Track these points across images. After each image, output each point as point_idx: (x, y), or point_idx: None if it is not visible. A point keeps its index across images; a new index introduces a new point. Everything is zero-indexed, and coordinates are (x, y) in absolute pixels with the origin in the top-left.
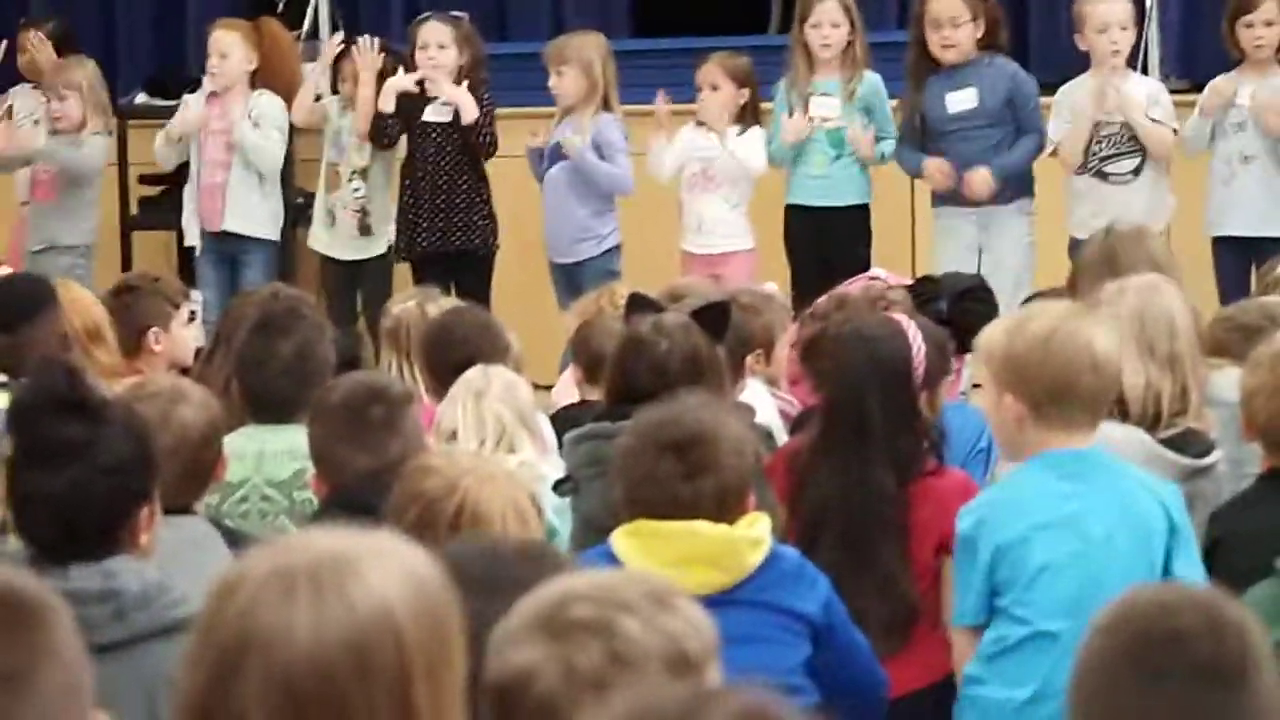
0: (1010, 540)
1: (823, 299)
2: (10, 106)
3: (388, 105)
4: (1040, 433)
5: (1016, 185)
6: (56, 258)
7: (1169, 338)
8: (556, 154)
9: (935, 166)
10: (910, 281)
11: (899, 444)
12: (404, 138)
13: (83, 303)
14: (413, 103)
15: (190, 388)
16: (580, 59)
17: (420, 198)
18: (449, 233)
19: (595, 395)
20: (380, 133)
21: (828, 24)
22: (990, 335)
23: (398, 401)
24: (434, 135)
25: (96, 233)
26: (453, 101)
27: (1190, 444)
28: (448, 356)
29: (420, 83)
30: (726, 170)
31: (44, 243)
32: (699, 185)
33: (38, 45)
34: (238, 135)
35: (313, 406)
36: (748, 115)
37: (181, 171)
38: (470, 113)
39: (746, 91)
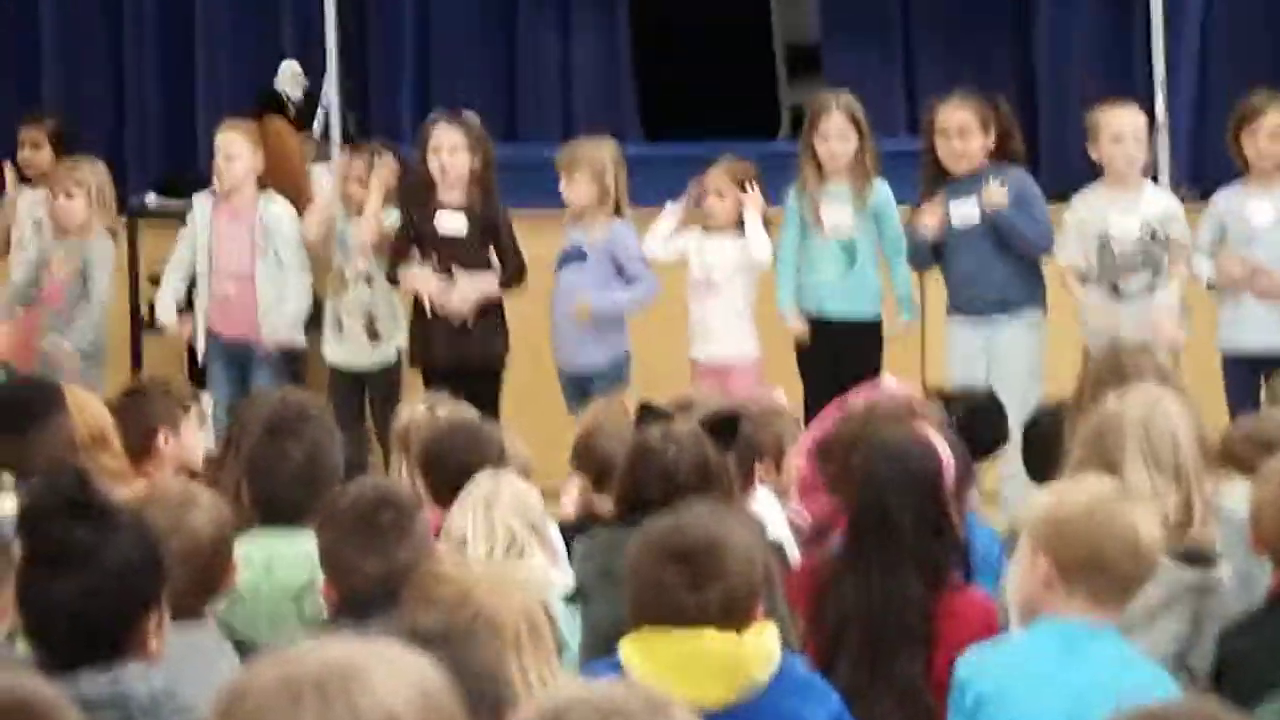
0: (991, 692)
1: (853, 408)
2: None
3: (405, 295)
4: (1064, 599)
5: (1023, 290)
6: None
7: (1173, 449)
8: (568, 258)
9: (929, 214)
10: (918, 393)
11: (929, 553)
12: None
13: (88, 407)
14: (423, 212)
15: (201, 494)
16: (592, 165)
17: (433, 311)
18: (463, 345)
19: (602, 504)
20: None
21: (835, 136)
22: (1038, 496)
23: (407, 508)
24: (446, 247)
25: (105, 335)
26: (472, 297)
27: (1197, 557)
28: (444, 468)
29: (429, 187)
30: (730, 275)
31: (55, 346)
32: (703, 291)
33: (38, 143)
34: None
35: (322, 512)
36: (751, 202)
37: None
38: (492, 289)
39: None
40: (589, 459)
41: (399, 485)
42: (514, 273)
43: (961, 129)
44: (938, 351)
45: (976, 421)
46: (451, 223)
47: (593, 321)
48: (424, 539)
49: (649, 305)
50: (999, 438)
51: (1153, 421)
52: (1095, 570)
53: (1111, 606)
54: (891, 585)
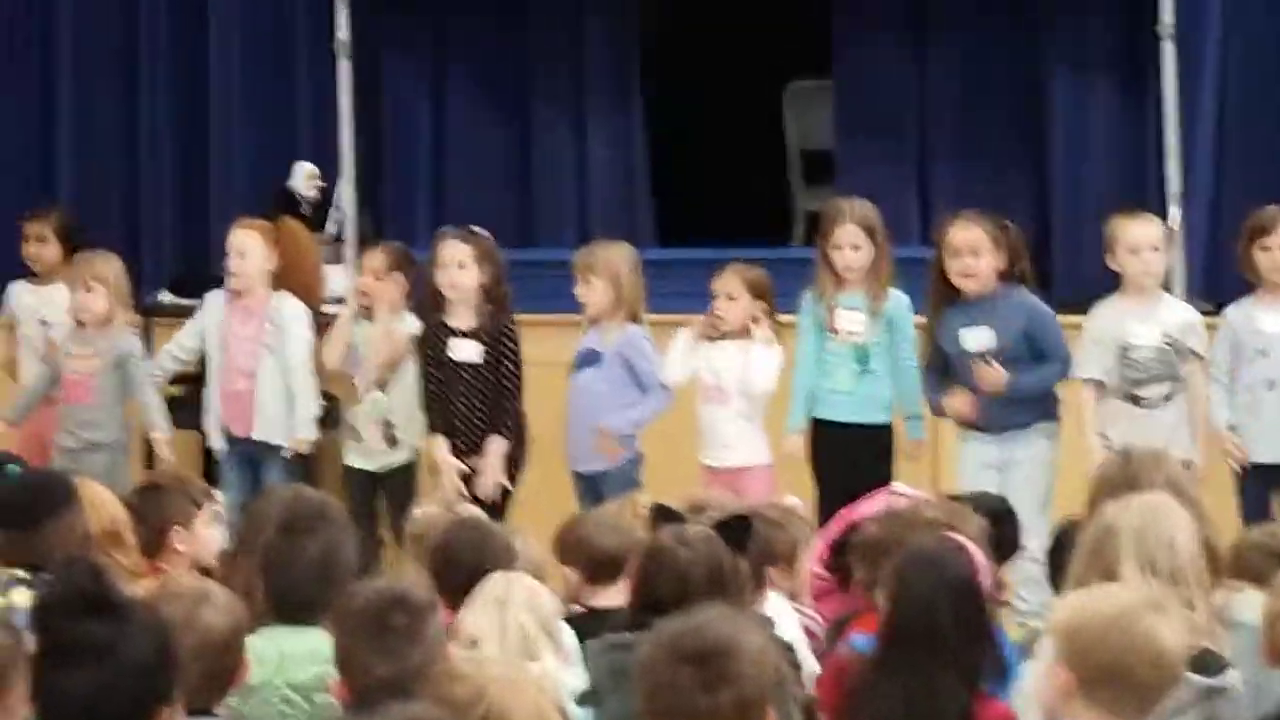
0: None
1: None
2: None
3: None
4: (1084, 710)
5: (1038, 407)
6: (96, 456)
7: (1170, 555)
8: (584, 360)
9: (958, 401)
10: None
11: (970, 657)
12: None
13: (103, 503)
14: (438, 338)
15: (215, 590)
16: (608, 270)
17: (452, 430)
18: (480, 453)
19: (597, 599)
20: None
21: (848, 246)
22: (1060, 604)
23: (421, 609)
24: (464, 374)
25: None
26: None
27: (1207, 664)
28: (454, 568)
29: (439, 303)
30: (739, 383)
31: (81, 442)
32: (714, 398)
33: (43, 238)
34: (268, 331)
35: (335, 612)
36: (760, 327)
37: (204, 370)
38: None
39: (761, 303)
40: (578, 551)
41: (413, 586)
42: (513, 429)
43: (972, 247)
44: (950, 459)
45: (992, 528)
46: (465, 351)
47: (602, 411)
48: (437, 640)
49: (662, 414)
50: (1011, 545)
51: (1148, 527)
52: (1116, 680)
53: (1131, 716)
54: (933, 689)
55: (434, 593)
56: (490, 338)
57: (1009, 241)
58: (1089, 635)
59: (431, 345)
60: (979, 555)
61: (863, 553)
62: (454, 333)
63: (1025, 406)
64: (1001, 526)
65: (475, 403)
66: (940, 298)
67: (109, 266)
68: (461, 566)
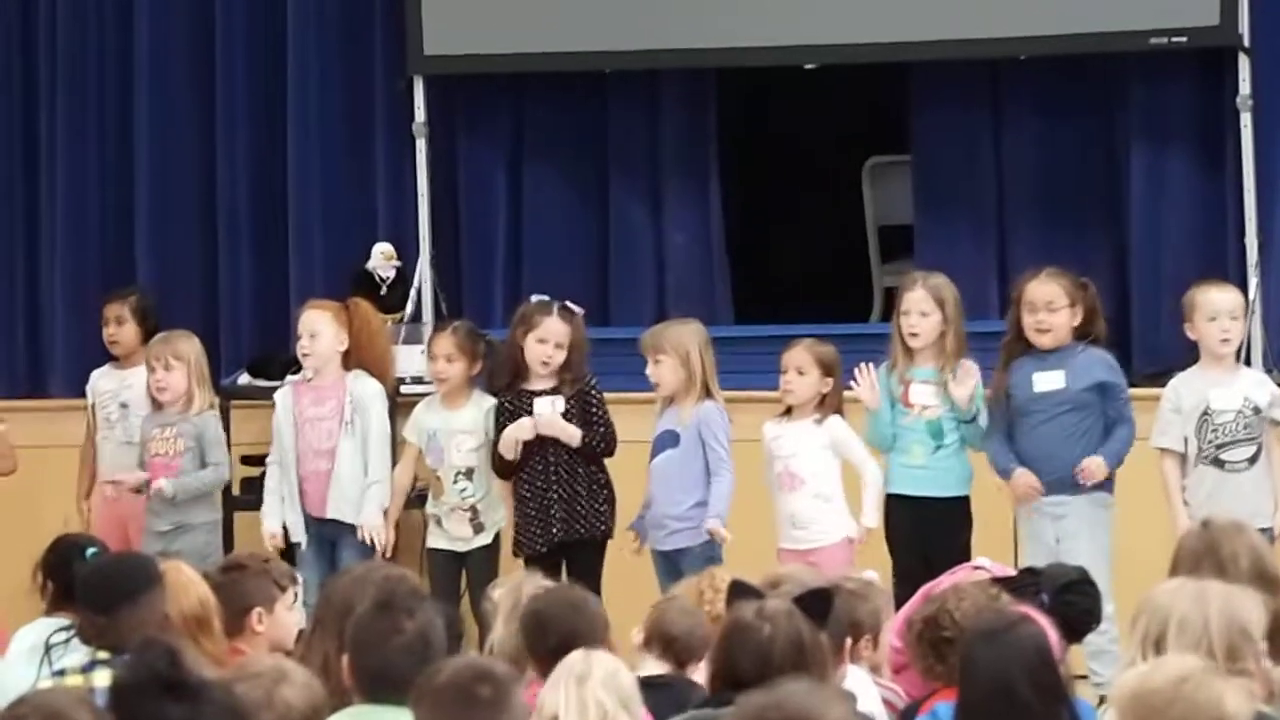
0: None
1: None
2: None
3: (511, 453)
4: None
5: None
6: (189, 537)
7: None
8: (663, 443)
9: (1024, 482)
10: (1014, 572)
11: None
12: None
13: (192, 587)
14: (518, 402)
15: (293, 668)
16: (677, 348)
17: (537, 492)
18: (571, 522)
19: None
20: (503, 471)
21: (916, 312)
22: (1125, 675)
23: (505, 684)
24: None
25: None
26: (559, 434)
27: None
28: (544, 639)
29: (518, 370)
30: (811, 461)
31: (172, 524)
32: (786, 484)
33: (121, 319)
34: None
35: (418, 687)
36: (828, 405)
37: None
38: (574, 439)
39: (830, 380)
40: (655, 628)
41: (497, 662)
42: (597, 440)
43: (1049, 303)
44: None
45: (1070, 599)
46: (548, 407)
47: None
48: (521, 716)
49: (729, 497)
50: (1093, 616)
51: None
52: None
53: None
54: None
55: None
56: (575, 395)
57: (1086, 300)
58: (1153, 703)
59: (511, 413)
60: (1046, 624)
61: (921, 635)
62: (535, 394)
63: (1075, 468)
64: (1082, 599)
65: (563, 456)
66: (1013, 351)
67: (189, 345)
68: (550, 639)
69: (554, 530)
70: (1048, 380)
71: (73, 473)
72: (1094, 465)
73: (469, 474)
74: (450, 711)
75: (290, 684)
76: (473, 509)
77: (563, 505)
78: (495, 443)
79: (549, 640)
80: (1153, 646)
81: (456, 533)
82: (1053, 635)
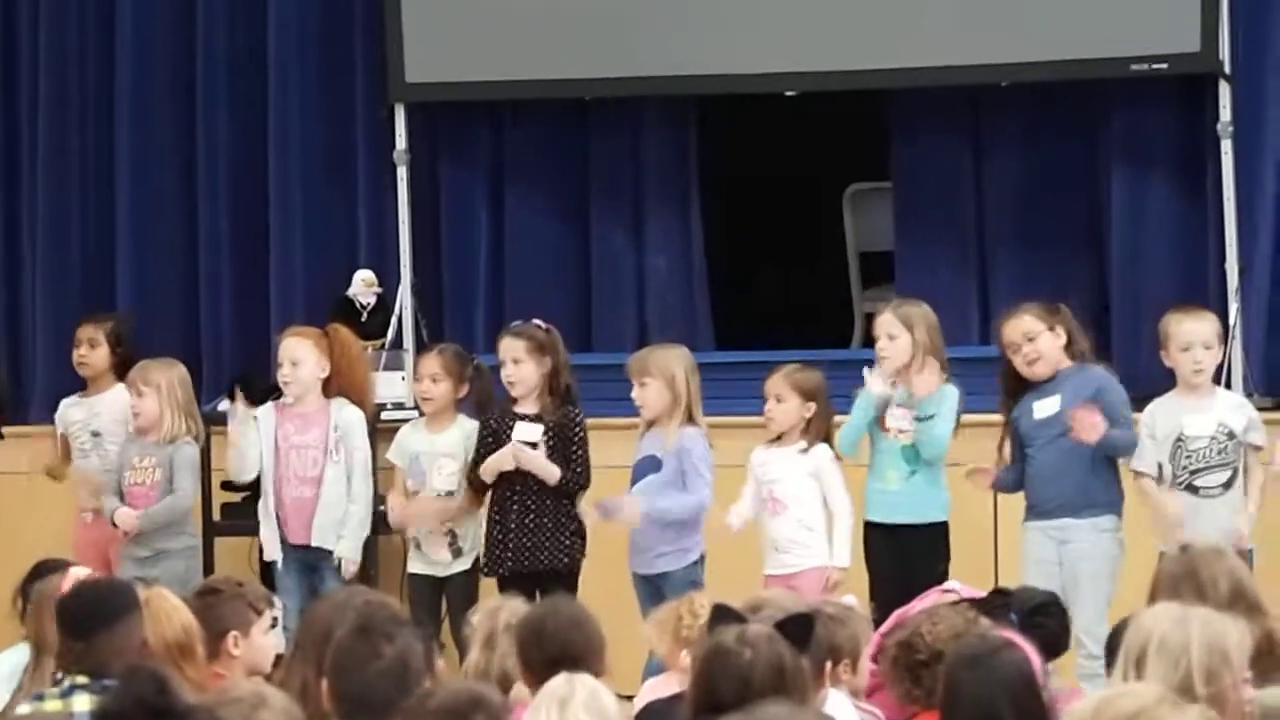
0: None
1: (913, 614)
2: (63, 436)
3: (489, 478)
4: None
5: (1094, 495)
6: (168, 563)
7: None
8: (644, 468)
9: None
10: (984, 594)
11: None
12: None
13: (175, 614)
14: (501, 423)
15: (272, 694)
16: (663, 372)
17: (508, 517)
18: (537, 551)
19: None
20: (476, 490)
21: (884, 335)
22: (1080, 708)
23: (497, 710)
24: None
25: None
26: (537, 471)
27: None
28: (541, 651)
29: (509, 411)
30: (793, 488)
31: (151, 550)
32: (770, 509)
33: (94, 342)
34: (330, 439)
35: (410, 710)
36: (814, 431)
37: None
38: (551, 479)
39: (813, 405)
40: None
41: (492, 689)
42: (574, 478)
43: (1026, 334)
44: (1010, 555)
45: (1039, 621)
46: (527, 432)
47: (653, 527)
48: None
49: (697, 518)
50: (1060, 641)
51: (1203, 643)
52: None
53: None
54: None
55: (525, 677)
56: (553, 425)
57: (1063, 321)
58: None
59: (494, 432)
60: (1029, 649)
61: (897, 660)
62: (520, 417)
63: (1086, 488)
64: (1050, 621)
65: (530, 484)
66: (1013, 391)
67: (163, 372)
68: (548, 652)
69: (508, 557)
70: (1045, 407)
71: (52, 498)
72: (1084, 416)
73: (449, 497)
74: None
75: (269, 709)
76: (451, 532)
77: (523, 535)
78: (474, 461)
79: (545, 653)
80: (1134, 665)
81: (435, 556)
82: (1035, 660)
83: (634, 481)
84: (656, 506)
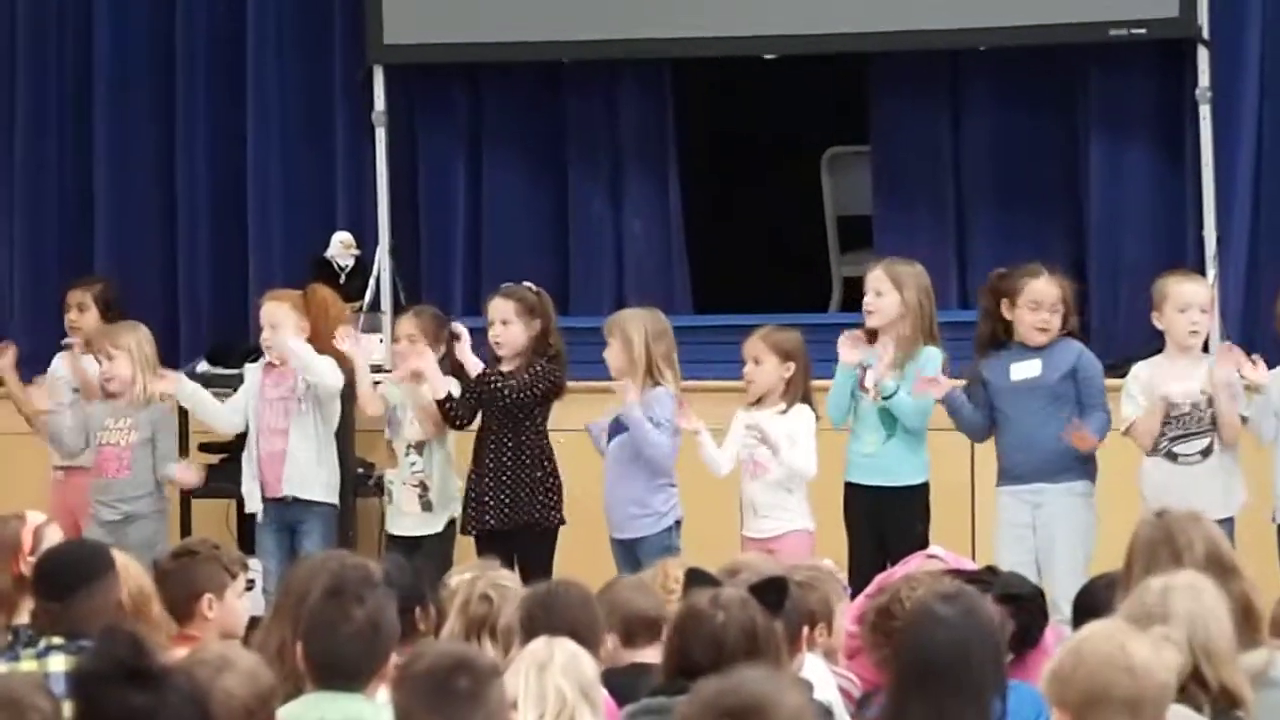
0: None
1: (892, 580)
2: (49, 384)
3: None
4: None
5: (1069, 461)
6: (136, 527)
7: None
8: (617, 429)
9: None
10: (970, 564)
11: (990, 699)
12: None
13: (129, 577)
14: (483, 383)
15: (239, 657)
16: (623, 333)
17: (485, 474)
18: (515, 509)
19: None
20: (448, 417)
21: (872, 291)
22: (1059, 655)
23: (483, 673)
24: (497, 413)
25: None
26: (428, 380)
27: None
28: (548, 626)
29: (496, 371)
30: (772, 450)
31: (120, 514)
32: (749, 471)
33: (83, 306)
34: (299, 389)
35: (399, 671)
36: (792, 391)
37: (241, 440)
38: (473, 369)
39: (792, 365)
40: (613, 614)
41: (480, 652)
42: (456, 417)
43: (1054, 305)
44: (986, 518)
45: (1016, 610)
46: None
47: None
48: (499, 706)
49: (658, 466)
50: (1030, 639)
51: (1193, 614)
52: (1100, 701)
53: None
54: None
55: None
56: (530, 379)
57: (1070, 296)
58: (1066, 667)
59: (477, 386)
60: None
61: (878, 628)
62: (502, 375)
63: (1061, 453)
64: (1025, 616)
65: (505, 441)
66: (994, 342)
67: (128, 334)
68: (552, 630)
69: (487, 516)
70: (1025, 369)
71: (31, 460)
72: (1083, 431)
73: (419, 448)
74: (427, 701)
75: (234, 672)
76: (421, 484)
77: (501, 492)
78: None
79: (550, 628)
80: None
81: (406, 508)
82: (997, 616)
83: (607, 441)
84: (639, 422)
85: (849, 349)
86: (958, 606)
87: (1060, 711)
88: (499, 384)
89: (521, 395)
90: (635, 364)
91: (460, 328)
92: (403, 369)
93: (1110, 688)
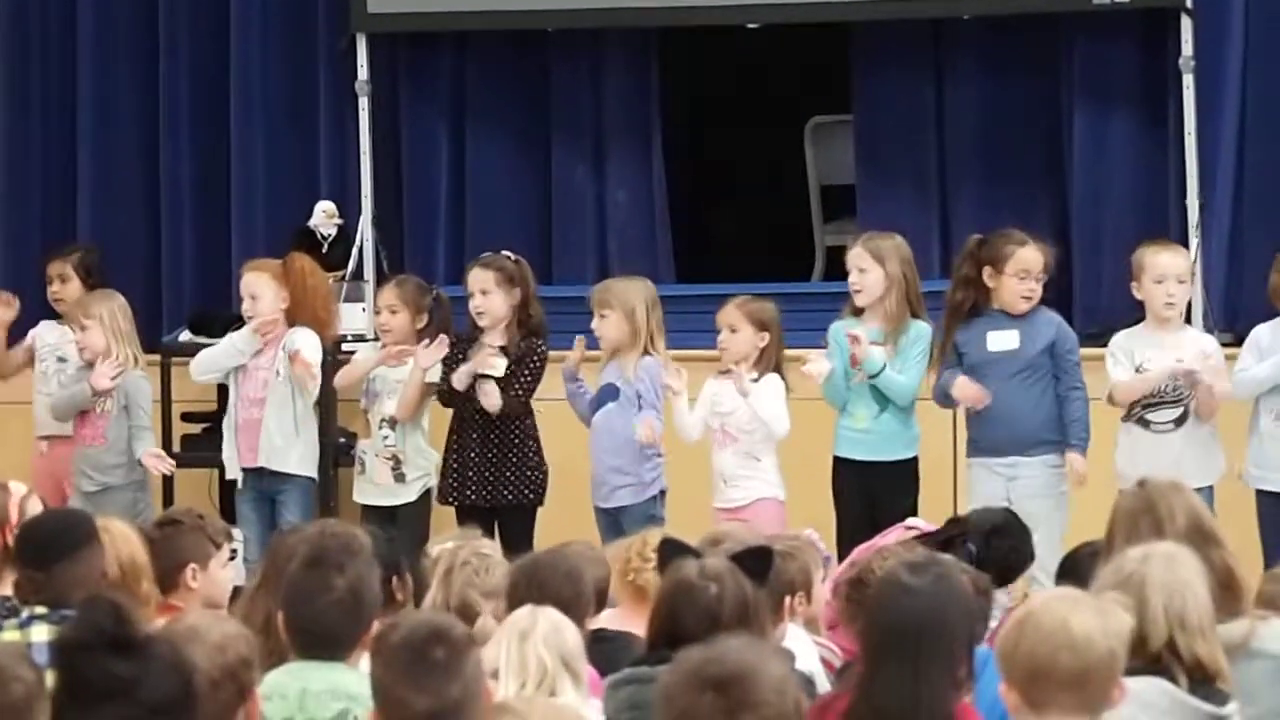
0: None
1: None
2: (30, 346)
3: (462, 384)
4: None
5: (1045, 433)
6: (115, 496)
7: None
8: (604, 396)
9: (967, 385)
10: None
11: (960, 663)
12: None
13: (125, 543)
14: (462, 354)
15: (210, 628)
16: (623, 304)
17: (468, 450)
18: (499, 486)
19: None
20: (441, 401)
21: (855, 269)
22: (1009, 620)
23: (460, 643)
24: (485, 386)
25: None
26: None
27: (1210, 695)
28: (533, 597)
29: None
30: (745, 423)
31: (99, 485)
32: (719, 440)
33: (65, 277)
34: (278, 361)
35: (375, 642)
36: (765, 361)
37: (224, 407)
38: (493, 409)
39: (767, 335)
40: None
41: (454, 621)
42: (509, 402)
43: (1039, 273)
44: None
45: (997, 543)
46: (489, 365)
47: (636, 453)
48: (476, 676)
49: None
50: (1021, 554)
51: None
52: (1044, 676)
53: (1078, 713)
54: (923, 694)
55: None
56: (517, 357)
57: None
58: (1010, 642)
59: (452, 357)
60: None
61: (851, 599)
62: (484, 346)
63: (1037, 426)
64: (1010, 540)
65: (491, 416)
66: (967, 310)
67: (101, 303)
68: (537, 600)
69: (468, 489)
70: (1003, 339)
71: (11, 429)
72: (1078, 463)
73: (393, 423)
74: (402, 671)
75: (201, 644)
76: (394, 458)
77: (485, 468)
78: (443, 379)
79: (535, 599)
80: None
81: (379, 479)
82: (969, 587)
83: (594, 410)
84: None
85: (816, 366)
86: (926, 575)
87: (1008, 686)
88: (507, 408)
89: (519, 399)
90: (637, 335)
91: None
92: (406, 357)
93: (1053, 664)
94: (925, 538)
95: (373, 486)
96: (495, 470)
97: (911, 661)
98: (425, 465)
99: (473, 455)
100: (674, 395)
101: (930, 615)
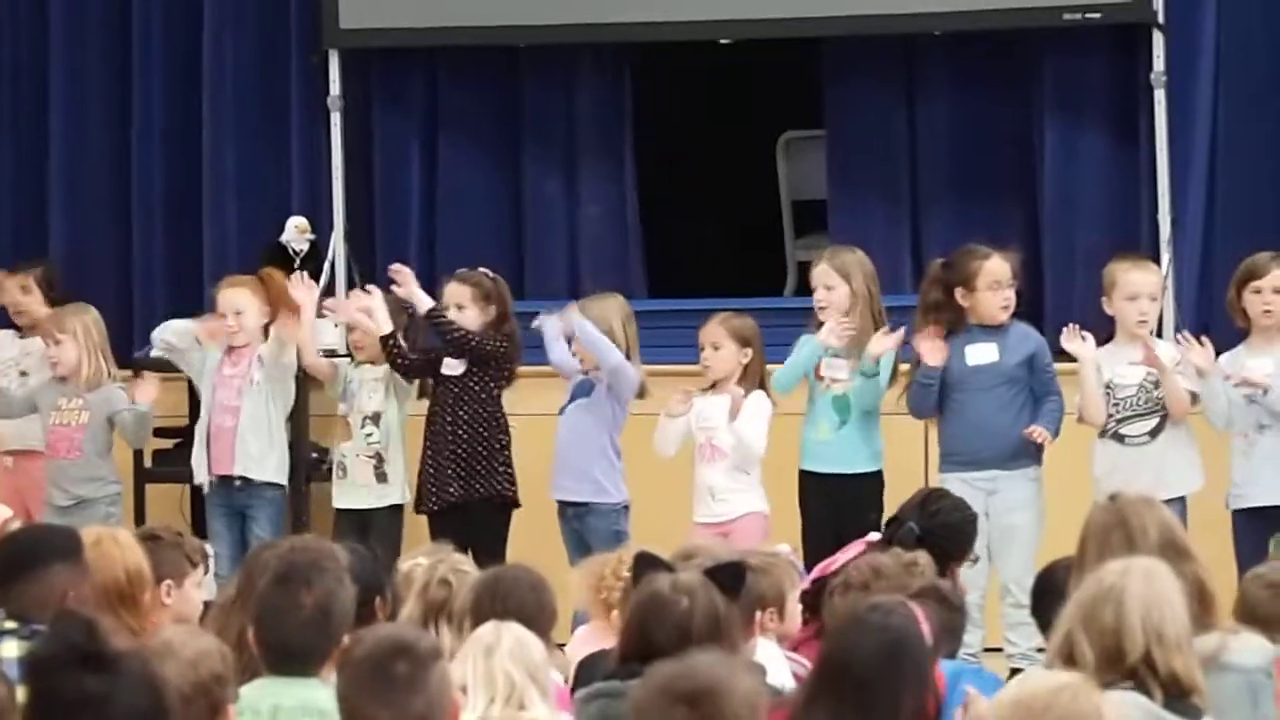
0: None
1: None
2: None
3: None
4: None
5: (1021, 445)
6: (89, 511)
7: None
8: (579, 390)
9: (926, 338)
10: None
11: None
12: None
13: (126, 553)
14: (431, 360)
15: (184, 644)
16: (601, 322)
17: (441, 450)
18: (471, 483)
19: None
20: (391, 357)
21: (821, 286)
22: (1001, 697)
23: (424, 657)
24: (452, 387)
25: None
26: (408, 299)
27: (1185, 710)
28: (495, 611)
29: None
30: (730, 439)
31: (73, 499)
32: (706, 455)
33: (26, 289)
34: (253, 369)
35: (341, 657)
36: (750, 377)
37: (195, 421)
38: (422, 305)
39: (749, 351)
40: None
41: (419, 634)
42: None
43: (1010, 280)
44: None
45: (933, 510)
46: (454, 371)
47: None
48: (440, 690)
49: (627, 383)
50: (966, 518)
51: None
52: None
53: None
54: None
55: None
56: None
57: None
58: (1032, 707)
59: (424, 365)
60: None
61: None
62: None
63: (1013, 443)
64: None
65: (461, 415)
66: (947, 323)
67: (74, 318)
68: (499, 614)
69: (450, 489)
70: (981, 353)
71: None
72: (1038, 433)
73: (375, 419)
74: (365, 686)
75: (173, 660)
76: (377, 455)
77: (458, 464)
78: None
79: (498, 612)
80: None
81: (360, 479)
82: (925, 627)
83: (567, 403)
84: (592, 332)
85: (832, 336)
86: (887, 617)
87: None
88: (452, 325)
89: (470, 338)
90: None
91: (398, 266)
92: (351, 305)
93: None
94: (876, 545)
95: (355, 488)
96: (468, 465)
97: (850, 704)
98: (405, 467)
99: (446, 455)
100: (670, 418)
101: (882, 662)
